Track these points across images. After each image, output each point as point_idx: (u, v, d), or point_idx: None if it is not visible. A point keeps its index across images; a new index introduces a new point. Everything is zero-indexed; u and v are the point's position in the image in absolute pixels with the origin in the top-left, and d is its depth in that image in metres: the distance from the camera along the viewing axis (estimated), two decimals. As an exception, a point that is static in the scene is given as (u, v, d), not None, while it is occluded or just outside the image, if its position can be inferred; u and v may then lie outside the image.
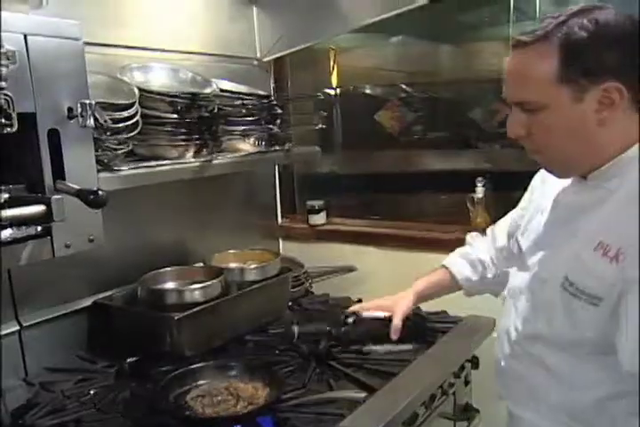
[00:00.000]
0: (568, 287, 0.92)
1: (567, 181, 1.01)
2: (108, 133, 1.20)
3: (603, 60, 0.84)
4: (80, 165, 1.03)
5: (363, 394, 1.19)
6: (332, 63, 2.44)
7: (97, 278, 1.54)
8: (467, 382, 1.61)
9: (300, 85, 2.22)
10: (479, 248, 1.39)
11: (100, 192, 0.94)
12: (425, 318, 1.54)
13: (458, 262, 1.41)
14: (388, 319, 1.36)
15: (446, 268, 1.42)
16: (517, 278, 1.10)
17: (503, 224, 1.33)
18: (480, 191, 1.81)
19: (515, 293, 1.10)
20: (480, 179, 1.81)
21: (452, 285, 1.42)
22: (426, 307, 1.75)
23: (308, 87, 2.25)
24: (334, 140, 2.51)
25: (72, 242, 1.03)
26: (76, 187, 0.96)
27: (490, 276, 1.36)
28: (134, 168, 1.25)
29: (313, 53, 2.37)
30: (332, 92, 2.48)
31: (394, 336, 1.35)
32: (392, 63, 2.53)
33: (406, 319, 1.38)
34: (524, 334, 1.04)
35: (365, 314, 1.40)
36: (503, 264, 1.30)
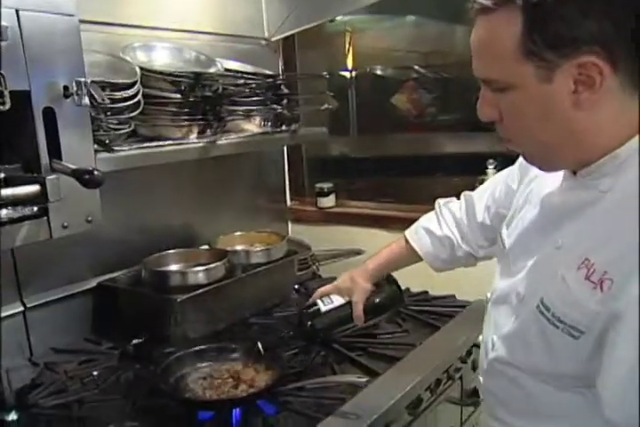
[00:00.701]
0: (544, 311, 0.77)
1: (560, 174, 0.83)
2: (108, 113, 1.18)
3: (574, 29, 0.65)
4: (77, 145, 1.02)
5: (364, 379, 1.17)
6: (347, 45, 2.40)
7: (101, 260, 1.54)
8: (475, 367, 1.60)
9: (313, 67, 2.19)
10: (447, 222, 1.22)
11: (95, 172, 0.93)
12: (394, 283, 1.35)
13: (422, 239, 1.24)
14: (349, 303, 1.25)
15: (408, 242, 1.26)
16: (501, 283, 0.94)
17: (483, 194, 1.16)
18: (491, 174, 1.77)
19: (497, 300, 0.94)
20: (491, 161, 1.77)
21: (414, 259, 1.27)
22: (434, 291, 1.74)
23: (321, 69, 2.21)
24: (349, 123, 2.48)
25: (69, 222, 1.02)
26: (72, 166, 0.95)
27: (460, 254, 1.20)
28: (134, 149, 1.23)
29: (326, 35, 2.34)
30: (347, 74, 2.45)
31: (358, 323, 1.25)
32: (406, 44, 2.48)
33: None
34: (499, 354, 0.89)
35: (324, 308, 1.24)
36: (480, 240, 1.17)
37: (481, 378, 0.98)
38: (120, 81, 1.22)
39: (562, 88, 0.70)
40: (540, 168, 0.84)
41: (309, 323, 1.23)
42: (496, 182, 1.15)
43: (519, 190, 1.00)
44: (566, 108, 0.71)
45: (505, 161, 1.87)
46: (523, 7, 0.67)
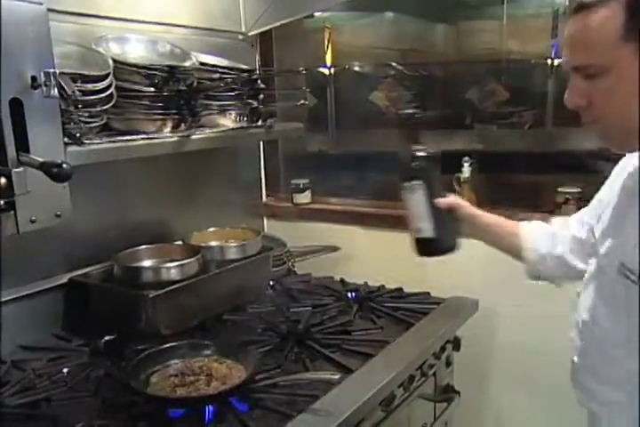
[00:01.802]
0: (628, 274, 0.88)
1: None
2: (79, 106, 1.16)
3: None
4: (46, 138, 0.99)
5: (337, 376, 1.17)
6: (326, 42, 2.39)
7: (73, 255, 1.51)
8: (448, 364, 1.61)
9: (291, 63, 2.17)
10: (556, 223, 1.24)
11: (64, 165, 0.91)
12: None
13: (532, 227, 1.25)
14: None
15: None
16: (589, 267, 1.03)
17: (578, 214, 1.21)
18: (466, 171, 1.78)
19: (585, 283, 1.03)
20: (467, 158, 1.78)
21: (513, 244, 1.25)
22: (408, 288, 1.74)
23: (300, 65, 2.20)
24: (327, 120, 2.47)
25: (37, 217, 1.00)
26: (40, 159, 0.93)
27: (559, 251, 1.18)
28: (105, 142, 1.21)
29: (305, 31, 2.33)
30: (326, 71, 2.44)
31: None
32: (385, 41, 2.49)
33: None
34: (590, 329, 0.99)
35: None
36: (576, 253, 1.17)
37: (576, 358, 1.04)
38: (92, 73, 1.20)
39: None
40: (615, 148, 0.93)
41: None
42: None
43: (609, 193, 1.05)
44: None
45: (481, 159, 1.91)
46: (626, 3, 0.78)
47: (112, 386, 1.20)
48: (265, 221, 2.14)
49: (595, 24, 0.81)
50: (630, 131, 0.86)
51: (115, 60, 1.29)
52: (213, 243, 1.67)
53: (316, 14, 2.24)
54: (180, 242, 1.68)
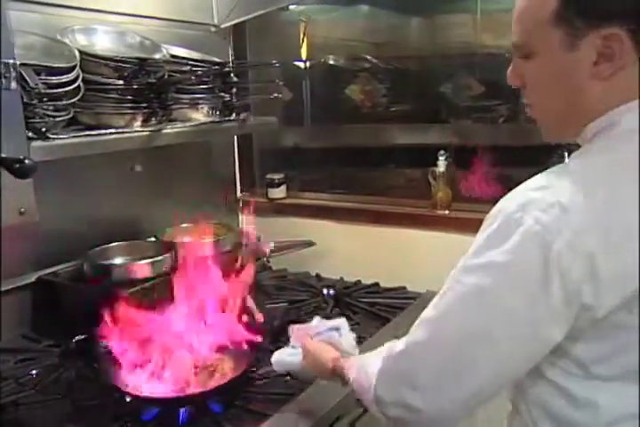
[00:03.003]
0: None
1: None
2: (44, 99, 1.12)
3: (609, 2, 0.71)
4: (7, 132, 0.95)
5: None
6: (301, 35, 2.36)
7: (42, 253, 1.47)
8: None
9: (266, 57, 2.14)
10: None
11: (26, 161, 0.88)
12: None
13: None
14: None
15: None
16: None
17: None
18: (442, 165, 1.77)
19: None
20: (442, 152, 1.77)
21: None
22: (384, 283, 1.74)
23: (274, 59, 2.17)
24: (303, 114, 2.45)
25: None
26: (1, 155, 0.89)
27: None
28: (72, 137, 1.17)
29: (280, 24, 2.29)
30: (301, 64, 2.41)
31: None
32: (360, 35, 2.47)
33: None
34: None
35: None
36: None
37: None
38: (56, 65, 1.16)
39: (584, 58, 0.73)
40: (543, 137, 0.87)
41: None
42: None
43: None
44: (583, 78, 0.74)
45: (456, 152, 1.91)
46: None
47: (83, 388, 1.17)
48: (240, 216, 2.11)
49: (533, 4, 0.76)
50: (550, 121, 0.84)
51: (81, 52, 1.25)
52: (187, 239, 1.64)
53: (291, 7, 2.21)
54: (152, 238, 1.65)
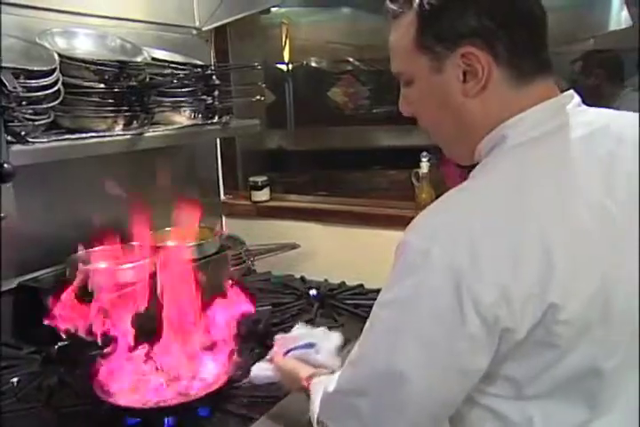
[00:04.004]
0: None
1: None
2: (23, 102, 1.11)
3: (456, 25, 0.74)
4: (-14, 137, 0.94)
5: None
6: (283, 37, 2.37)
7: (23, 259, 1.45)
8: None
9: (248, 59, 2.14)
10: None
11: (5, 165, 0.86)
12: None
13: None
14: None
15: None
16: None
17: None
18: (425, 166, 1.78)
19: None
20: (425, 154, 1.78)
21: None
22: (369, 284, 1.74)
23: (257, 61, 2.17)
24: (286, 116, 2.45)
25: (-21, 220, 0.95)
26: (-20, 160, 0.88)
27: None
28: (53, 141, 1.16)
29: (262, 27, 2.30)
30: (284, 67, 2.41)
31: None
32: (342, 37, 2.48)
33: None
34: None
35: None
36: None
37: None
38: (36, 68, 1.15)
39: (452, 77, 0.77)
40: (457, 161, 0.88)
41: None
42: None
43: None
44: (457, 97, 0.77)
45: (439, 154, 1.92)
46: (417, 10, 0.77)
47: (65, 395, 1.16)
48: (224, 219, 2.10)
49: (398, 33, 0.80)
50: (449, 143, 0.85)
51: (61, 55, 1.24)
52: (170, 243, 1.63)
53: (273, 10, 2.21)
54: (136, 242, 1.63)
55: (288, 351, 1.07)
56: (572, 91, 0.80)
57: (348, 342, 1.34)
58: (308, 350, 1.06)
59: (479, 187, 0.73)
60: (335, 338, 1.12)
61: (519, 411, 0.73)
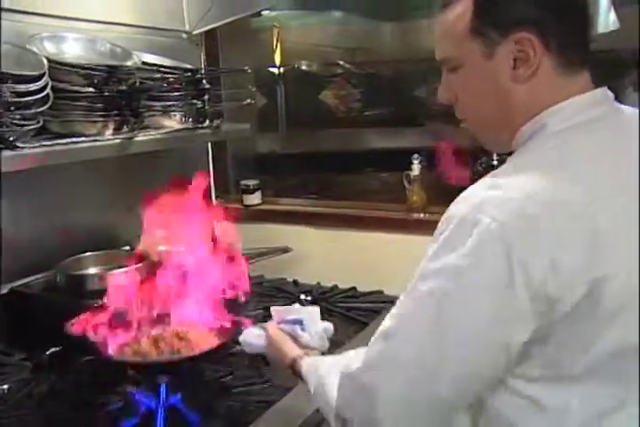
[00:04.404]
0: None
1: None
2: (12, 108, 1.10)
3: (513, 11, 0.77)
4: (-26, 142, 0.94)
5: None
6: (275, 41, 2.36)
7: (13, 265, 1.44)
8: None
9: (239, 63, 2.14)
10: None
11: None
12: None
13: None
14: None
15: None
16: None
17: None
18: (416, 169, 1.78)
19: None
20: (416, 156, 1.78)
21: None
22: (361, 287, 1.74)
23: (248, 65, 2.17)
24: (278, 119, 2.45)
25: (-33, 226, 0.94)
26: (-32, 165, 0.87)
27: None
28: (42, 146, 1.16)
29: (253, 30, 2.29)
30: (275, 70, 2.41)
31: None
32: (334, 40, 2.48)
33: None
34: None
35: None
36: None
37: None
38: (25, 73, 1.14)
39: (503, 63, 0.78)
40: (488, 147, 0.91)
41: None
42: None
43: None
44: (506, 82, 0.79)
45: (430, 156, 1.92)
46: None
47: (56, 401, 1.15)
48: (215, 223, 2.10)
49: (450, 18, 0.81)
50: (489, 130, 0.86)
51: (50, 60, 1.24)
52: (161, 247, 1.62)
53: (263, 13, 2.21)
54: (127, 247, 1.63)
55: (279, 323, 1.06)
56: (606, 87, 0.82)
57: (341, 345, 1.35)
58: (294, 326, 1.04)
59: (523, 165, 0.75)
60: (324, 323, 1.09)
61: (555, 395, 0.74)
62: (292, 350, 0.99)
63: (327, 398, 0.81)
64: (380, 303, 1.62)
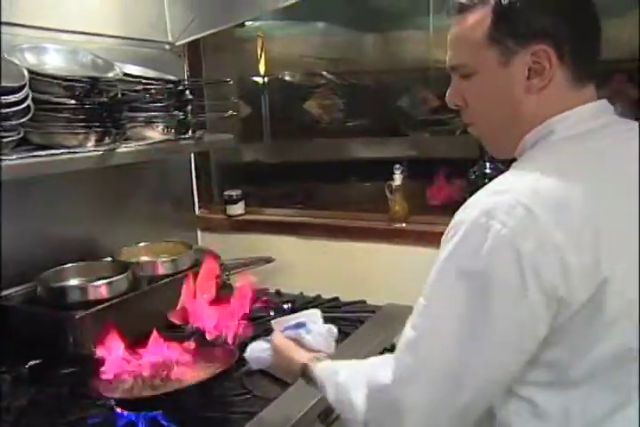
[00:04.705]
0: None
1: None
2: (-7, 120, 1.10)
3: (533, 23, 0.78)
4: (-47, 154, 0.93)
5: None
6: (259, 51, 2.38)
7: (-7, 277, 1.43)
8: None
9: (223, 73, 2.15)
10: None
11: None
12: None
13: None
14: None
15: None
16: None
17: None
18: (398, 179, 1.80)
19: None
20: (397, 166, 1.80)
21: None
22: (344, 297, 1.75)
23: (232, 75, 2.18)
24: (262, 129, 2.46)
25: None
26: (-54, 178, 0.87)
27: None
28: (23, 157, 1.15)
29: (237, 40, 2.31)
30: (259, 80, 2.43)
31: None
32: (317, 51, 2.50)
33: None
34: None
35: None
36: None
37: None
38: (7, 84, 1.14)
39: (517, 73, 0.80)
40: (492, 153, 0.94)
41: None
42: None
43: None
44: (519, 92, 0.81)
45: (411, 166, 1.94)
46: (494, 5, 0.80)
47: (36, 415, 1.14)
48: (199, 233, 2.10)
49: (467, 25, 0.82)
50: (496, 136, 0.89)
51: (31, 71, 1.24)
52: (144, 258, 1.62)
53: (247, 23, 2.23)
54: (108, 258, 1.62)
55: (282, 331, 1.05)
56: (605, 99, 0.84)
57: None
58: (297, 330, 1.03)
59: (529, 171, 0.76)
60: (327, 325, 1.07)
61: (556, 400, 0.75)
62: (300, 355, 0.98)
63: (353, 411, 0.81)
64: (363, 313, 1.63)
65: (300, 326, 1.04)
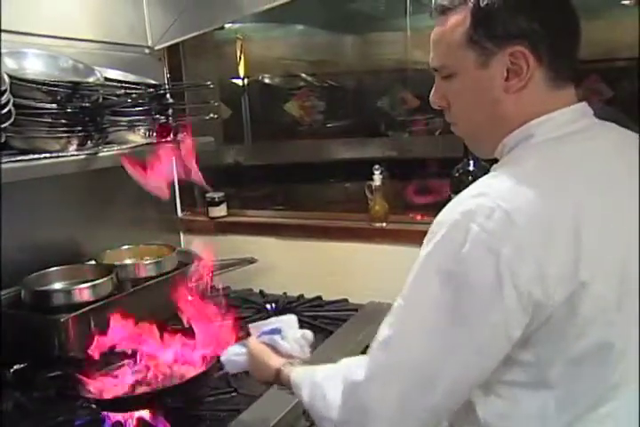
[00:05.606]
0: None
1: None
2: (-27, 125, 1.11)
3: (509, 24, 0.79)
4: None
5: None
6: (238, 53, 2.39)
7: (-24, 282, 1.43)
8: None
9: (203, 76, 2.16)
10: None
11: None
12: None
13: None
14: None
15: None
16: None
17: None
18: (377, 179, 1.83)
19: None
20: (377, 166, 1.82)
21: None
22: (327, 296, 1.78)
23: (212, 77, 2.19)
24: (243, 131, 2.47)
25: None
26: None
27: None
28: (5, 162, 1.16)
29: (216, 43, 2.32)
30: (239, 82, 2.44)
31: None
32: (296, 53, 2.52)
33: None
34: None
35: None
36: None
37: None
38: (-16, 90, 1.15)
39: (496, 74, 0.81)
40: (476, 154, 0.96)
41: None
42: None
43: None
44: (498, 93, 0.82)
45: (390, 166, 1.97)
46: (472, 7, 0.81)
47: (22, 419, 1.14)
48: (182, 236, 2.11)
49: (447, 27, 0.84)
50: (477, 136, 0.90)
51: (11, 76, 1.24)
52: (127, 261, 1.63)
53: (227, 26, 2.24)
54: (92, 262, 1.63)
55: (258, 337, 1.07)
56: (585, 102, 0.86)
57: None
58: (273, 336, 1.05)
59: (510, 174, 0.77)
60: (303, 330, 1.10)
61: (535, 399, 0.77)
62: (274, 360, 1.00)
63: (327, 407, 0.81)
64: (344, 311, 1.65)
65: (275, 331, 1.06)
